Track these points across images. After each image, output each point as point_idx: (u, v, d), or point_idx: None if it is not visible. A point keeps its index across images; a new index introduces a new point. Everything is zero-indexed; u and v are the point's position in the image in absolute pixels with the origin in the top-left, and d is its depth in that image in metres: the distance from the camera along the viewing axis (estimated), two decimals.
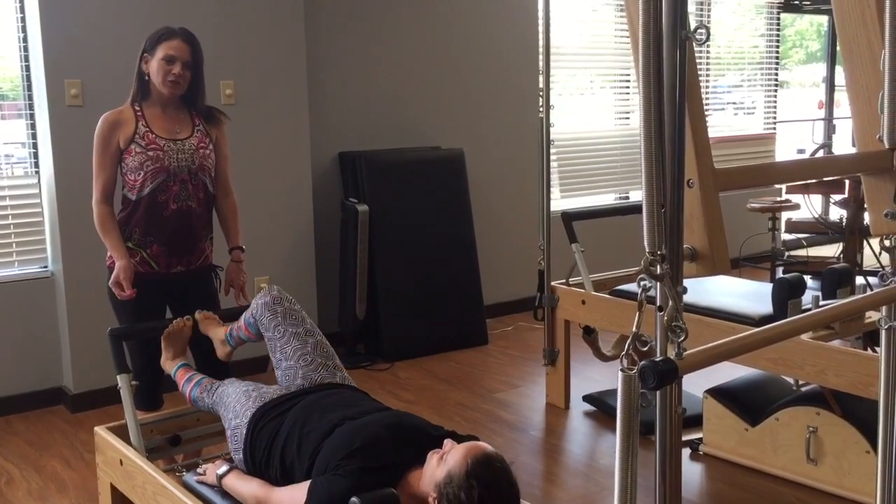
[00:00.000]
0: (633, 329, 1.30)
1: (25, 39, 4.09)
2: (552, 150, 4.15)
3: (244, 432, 2.34)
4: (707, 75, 7.01)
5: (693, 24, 1.30)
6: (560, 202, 5.88)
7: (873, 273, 5.22)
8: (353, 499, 1.89)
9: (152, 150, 2.82)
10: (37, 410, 4.17)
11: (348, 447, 2.05)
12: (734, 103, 7.59)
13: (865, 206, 1.95)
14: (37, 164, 4.19)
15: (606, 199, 6.39)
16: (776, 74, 7.45)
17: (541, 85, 3.97)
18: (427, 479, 1.97)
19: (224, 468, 2.33)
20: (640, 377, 1.27)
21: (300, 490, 2.06)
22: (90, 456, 3.26)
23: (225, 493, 2.31)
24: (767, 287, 3.63)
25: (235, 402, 2.44)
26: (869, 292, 1.99)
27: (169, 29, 2.83)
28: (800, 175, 2.37)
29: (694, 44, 1.33)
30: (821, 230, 6.02)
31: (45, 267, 4.24)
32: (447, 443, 2.00)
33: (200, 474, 2.40)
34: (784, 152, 7.74)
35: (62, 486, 3.39)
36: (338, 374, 2.52)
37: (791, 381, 3.54)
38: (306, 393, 2.40)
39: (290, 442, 2.22)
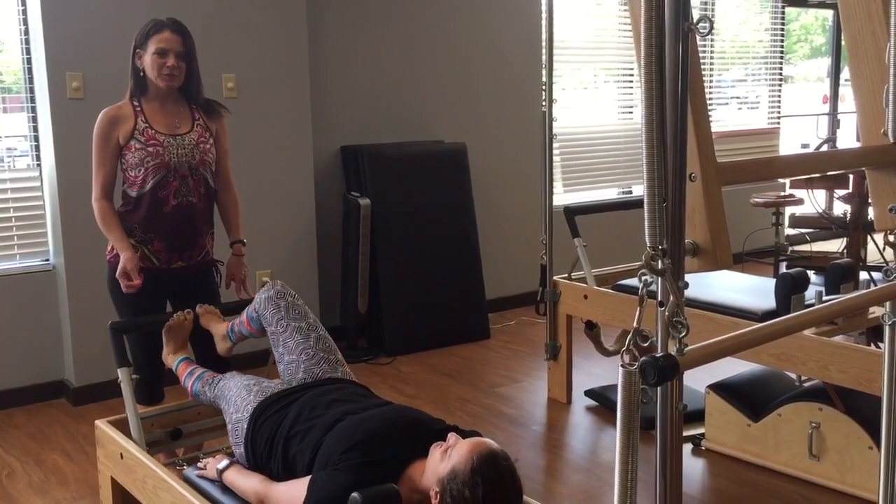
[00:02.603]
0: (634, 324, 1.29)
1: (27, 32, 4.08)
2: (555, 145, 4.14)
3: (245, 426, 2.33)
4: (711, 70, 6.98)
5: (696, 16, 1.29)
6: (563, 196, 5.87)
7: (877, 268, 5.19)
8: (354, 494, 1.88)
9: (152, 146, 2.81)
10: (38, 403, 4.18)
11: (349, 441, 2.04)
12: (738, 98, 7.56)
13: (869, 200, 1.94)
14: (38, 157, 4.19)
15: (609, 193, 6.37)
16: (781, 69, 7.42)
17: (544, 79, 3.96)
18: (430, 472, 1.95)
19: (224, 463, 2.32)
20: (641, 373, 1.26)
21: (301, 485, 2.05)
22: (91, 449, 3.26)
23: (225, 488, 2.30)
24: (771, 282, 3.61)
25: (236, 396, 2.44)
26: (872, 288, 1.97)
27: (157, 21, 2.81)
28: (803, 169, 2.36)
29: (697, 36, 1.32)
30: (824, 225, 5.99)
31: (47, 260, 4.24)
32: (451, 436, 1.99)
33: (201, 469, 2.39)
34: (788, 147, 7.71)
35: (63, 479, 3.39)
36: (339, 368, 2.52)
37: (794, 376, 3.53)
38: (308, 388, 2.39)
39: (291, 436, 2.21)
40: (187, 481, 2.36)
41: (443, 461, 1.93)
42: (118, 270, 2.80)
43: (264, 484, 2.20)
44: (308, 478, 2.04)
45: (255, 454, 2.30)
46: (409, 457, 2.02)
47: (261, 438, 2.28)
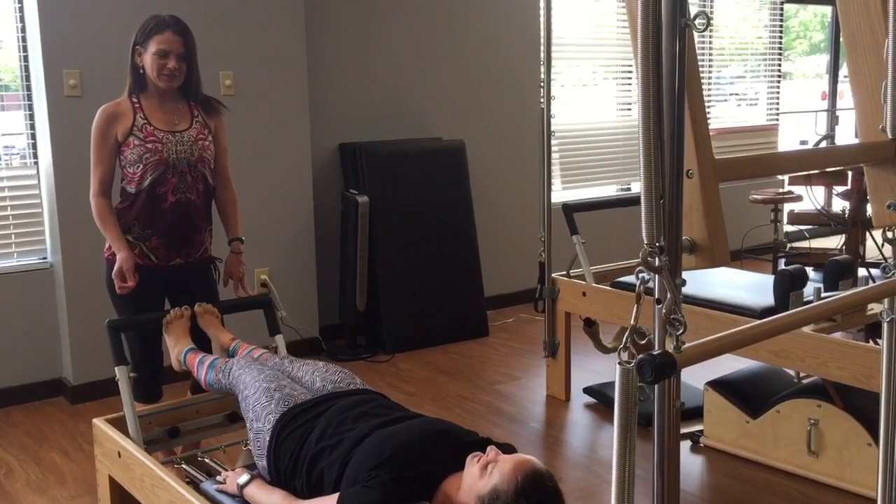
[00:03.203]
0: (632, 322, 1.29)
1: (24, 30, 4.08)
2: (553, 142, 4.13)
3: (268, 438, 2.22)
4: (710, 66, 6.98)
5: (693, 12, 1.28)
6: (561, 193, 5.86)
7: (876, 265, 5.20)
8: None
9: (151, 143, 2.80)
10: (36, 402, 4.17)
11: (378, 457, 1.95)
12: (737, 94, 7.55)
13: (868, 197, 1.93)
14: (35, 155, 4.18)
15: (608, 190, 6.37)
16: (779, 65, 7.42)
17: (542, 76, 3.95)
18: (467, 488, 1.86)
19: (245, 478, 2.22)
20: (638, 371, 1.25)
21: (328, 503, 1.97)
22: (89, 447, 3.26)
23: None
24: (769, 279, 3.61)
25: (255, 402, 2.32)
26: (871, 284, 1.97)
27: (159, 20, 2.78)
28: (802, 166, 2.35)
29: (694, 32, 1.31)
30: (823, 222, 5.99)
31: (45, 258, 4.23)
32: (491, 450, 1.90)
33: (220, 482, 2.31)
34: (787, 143, 7.71)
35: (61, 477, 3.38)
36: (357, 379, 2.46)
37: (792, 373, 3.53)
38: (334, 398, 2.29)
39: (318, 452, 2.11)
40: (206, 496, 2.28)
41: (482, 478, 1.84)
42: (114, 271, 2.79)
43: (288, 501, 2.11)
44: (335, 495, 1.95)
45: (278, 468, 2.20)
46: (442, 471, 1.93)
47: (285, 453, 2.18)
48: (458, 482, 1.90)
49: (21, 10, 4.06)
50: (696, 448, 3.49)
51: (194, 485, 2.38)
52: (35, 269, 4.19)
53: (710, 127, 1.64)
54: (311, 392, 2.38)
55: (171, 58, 2.77)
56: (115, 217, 2.85)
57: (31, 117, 4.16)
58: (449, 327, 5.00)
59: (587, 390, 4.08)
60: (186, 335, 2.78)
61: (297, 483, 2.15)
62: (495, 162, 5.57)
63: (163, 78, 2.78)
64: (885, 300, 1.89)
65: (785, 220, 6.15)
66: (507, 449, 1.97)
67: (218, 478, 2.35)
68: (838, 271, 3.41)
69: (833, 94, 8.13)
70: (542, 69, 3.95)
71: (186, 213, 2.88)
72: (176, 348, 2.74)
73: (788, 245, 6.22)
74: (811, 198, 5.91)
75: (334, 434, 2.12)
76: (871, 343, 3.44)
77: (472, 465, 1.88)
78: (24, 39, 4.09)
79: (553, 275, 4.03)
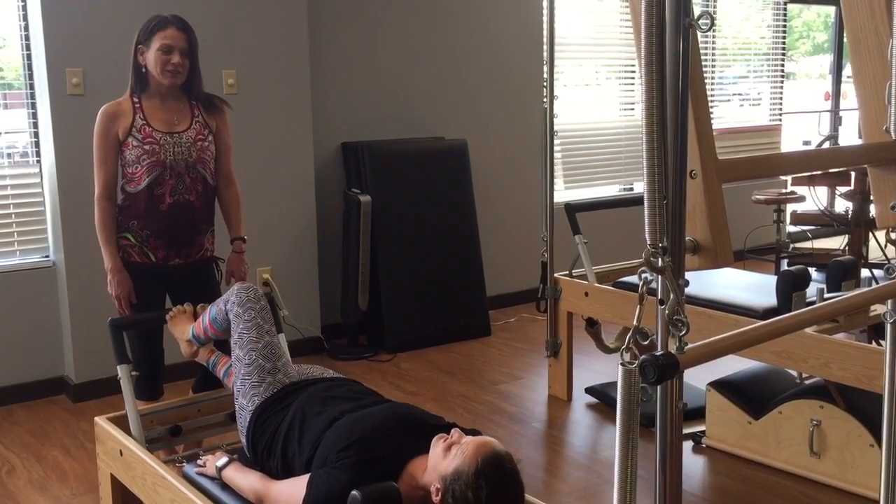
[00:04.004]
0: (634, 322, 1.28)
1: (27, 28, 4.08)
2: (556, 141, 4.13)
3: (248, 419, 2.34)
4: (713, 67, 6.97)
5: (697, 12, 1.28)
6: (563, 193, 5.86)
7: (879, 266, 5.19)
8: (354, 492, 1.88)
9: (148, 144, 2.80)
10: (38, 400, 4.18)
11: (347, 439, 2.03)
12: (740, 94, 7.55)
13: (871, 198, 1.93)
14: (38, 154, 4.18)
15: (610, 190, 6.36)
16: (782, 65, 7.41)
17: (545, 75, 3.94)
18: (431, 468, 1.94)
19: (224, 460, 2.32)
20: (641, 371, 1.25)
21: (299, 483, 2.05)
22: (91, 446, 3.26)
23: (224, 485, 2.29)
24: (772, 279, 3.61)
25: (247, 376, 2.39)
26: (874, 285, 1.96)
27: (161, 18, 2.80)
28: (805, 166, 2.35)
29: (698, 32, 1.31)
30: (826, 222, 5.98)
31: (47, 256, 4.23)
32: (455, 432, 1.97)
33: (200, 466, 2.39)
34: (790, 144, 7.70)
35: (63, 475, 3.39)
36: (328, 370, 2.54)
37: (795, 374, 3.52)
38: (307, 385, 2.38)
39: (290, 434, 2.21)
40: (187, 478, 2.36)
41: (446, 458, 1.91)
42: (113, 293, 2.83)
43: (263, 482, 2.19)
44: (307, 476, 2.04)
45: (255, 449, 2.31)
46: (408, 454, 2.01)
47: (262, 437, 2.29)
48: (423, 463, 1.97)
49: (24, 8, 4.06)
50: (698, 448, 3.49)
51: (187, 478, 2.39)
52: (37, 267, 4.20)
53: (713, 127, 1.64)
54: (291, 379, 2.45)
55: (174, 53, 2.77)
56: (115, 228, 2.85)
57: (34, 116, 4.16)
58: (451, 327, 5.00)
59: (589, 390, 4.07)
60: (191, 322, 2.79)
61: (272, 463, 2.25)
62: (498, 161, 5.57)
63: (167, 74, 2.78)
64: (889, 301, 1.88)
65: (788, 220, 6.15)
66: (473, 433, 2.02)
67: (198, 461, 2.41)
68: (841, 272, 3.40)
69: (836, 94, 8.11)
70: (545, 69, 3.95)
71: (185, 215, 2.88)
72: (183, 334, 2.76)
73: (791, 246, 6.22)
74: (814, 198, 5.90)
75: (306, 418, 2.21)
76: (874, 344, 3.44)
77: (437, 446, 1.96)
78: (27, 38, 4.09)
79: (555, 274, 4.03)
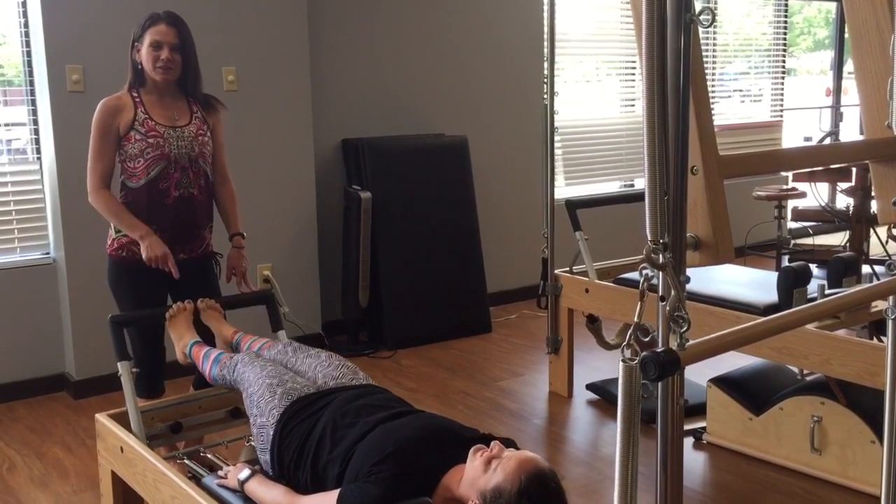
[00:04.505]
0: (635, 319, 1.28)
1: (27, 25, 4.07)
2: (557, 138, 4.12)
3: (271, 433, 2.22)
4: (714, 63, 6.96)
5: (698, 7, 1.27)
6: (564, 190, 5.85)
7: (880, 262, 5.19)
8: None
9: (152, 137, 2.80)
10: (39, 397, 4.18)
11: (380, 453, 1.94)
12: (741, 91, 7.54)
13: (873, 194, 1.92)
14: (38, 150, 4.18)
15: (611, 186, 6.36)
16: (783, 62, 7.40)
17: (545, 72, 3.94)
18: (469, 481, 1.85)
19: (246, 473, 2.20)
20: (642, 368, 1.25)
21: (329, 499, 1.95)
22: (92, 442, 3.25)
23: (247, 499, 2.19)
24: (773, 276, 3.60)
25: (259, 397, 2.32)
26: (875, 282, 1.96)
27: (154, 14, 2.81)
28: (806, 162, 2.34)
29: (699, 28, 1.30)
30: (827, 218, 5.98)
31: (47, 253, 4.23)
32: (495, 445, 1.89)
33: (222, 477, 2.30)
34: (791, 140, 7.69)
35: (64, 472, 3.39)
36: (360, 373, 2.46)
37: (796, 370, 3.52)
38: (337, 392, 2.29)
39: (321, 446, 2.11)
40: (207, 490, 2.27)
41: (486, 472, 1.82)
42: (148, 258, 2.77)
43: (289, 496, 2.09)
44: (336, 491, 1.94)
45: (281, 462, 2.20)
46: (442, 467, 1.92)
47: (289, 447, 2.18)
48: (459, 475, 1.89)
49: (24, 5, 4.06)
50: (699, 445, 3.49)
51: (196, 480, 2.37)
52: (38, 264, 4.19)
53: (714, 123, 1.64)
54: (314, 385, 2.38)
55: (164, 48, 2.77)
56: (122, 206, 2.83)
57: (34, 112, 4.16)
58: (451, 323, 5.00)
59: (590, 387, 4.07)
60: (191, 328, 2.78)
61: (300, 476, 2.15)
62: (498, 158, 5.56)
63: (158, 70, 2.78)
64: (890, 297, 1.88)
65: (789, 216, 6.14)
66: (508, 444, 1.96)
67: (219, 472, 2.34)
68: (842, 268, 3.40)
69: (837, 90, 8.10)
70: (546, 65, 3.94)
71: (189, 208, 2.88)
72: (181, 342, 2.74)
73: (792, 242, 6.22)
74: (815, 194, 5.90)
75: (338, 428, 2.12)
76: (875, 340, 3.44)
77: (476, 458, 1.87)
78: (27, 35, 4.08)
79: (556, 271, 4.03)
